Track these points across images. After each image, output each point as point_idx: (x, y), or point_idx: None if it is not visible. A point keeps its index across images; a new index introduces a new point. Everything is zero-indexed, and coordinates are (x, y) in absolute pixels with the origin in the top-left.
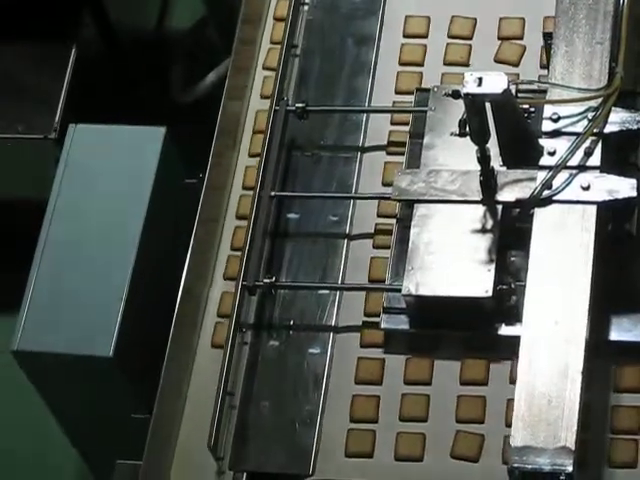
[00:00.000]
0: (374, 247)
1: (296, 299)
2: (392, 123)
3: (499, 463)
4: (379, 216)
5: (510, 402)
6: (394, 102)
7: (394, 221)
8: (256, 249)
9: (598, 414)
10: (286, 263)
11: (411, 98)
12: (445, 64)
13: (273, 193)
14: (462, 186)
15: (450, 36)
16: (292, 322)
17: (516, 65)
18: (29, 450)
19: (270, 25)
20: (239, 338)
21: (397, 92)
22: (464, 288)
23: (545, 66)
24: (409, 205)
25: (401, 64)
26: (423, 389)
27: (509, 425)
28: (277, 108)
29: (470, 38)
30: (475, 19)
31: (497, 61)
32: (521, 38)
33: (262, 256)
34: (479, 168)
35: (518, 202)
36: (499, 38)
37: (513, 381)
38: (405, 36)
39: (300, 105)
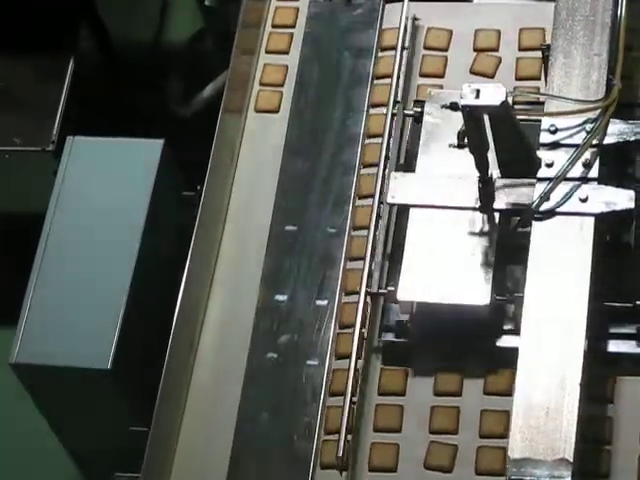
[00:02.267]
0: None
1: (294, 311)
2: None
3: (472, 473)
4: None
5: (484, 413)
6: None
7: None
8: (378, 256)
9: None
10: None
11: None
12: (421, 75)
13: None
14: (459, 192)
15: (426, 47)
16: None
17: (492, 77)
18: (26, 463)
19: (267, 37)
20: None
21: (373, 105)
22: (461, 295)
23: (520, 78)
24: (405, 210)
25: (377, 77)
26: (397, 400)
27: (483, 436)
28: (394, 112)
29: (446, 50)
30: (451, 31)
31: (473, 73)
32: (497, 50)
33: (384, 263)
34: (477, 174)
35: (516, 212)
36: (475, 50)
37: (487, 392)
38: (382, 49)
39: (418, 110)
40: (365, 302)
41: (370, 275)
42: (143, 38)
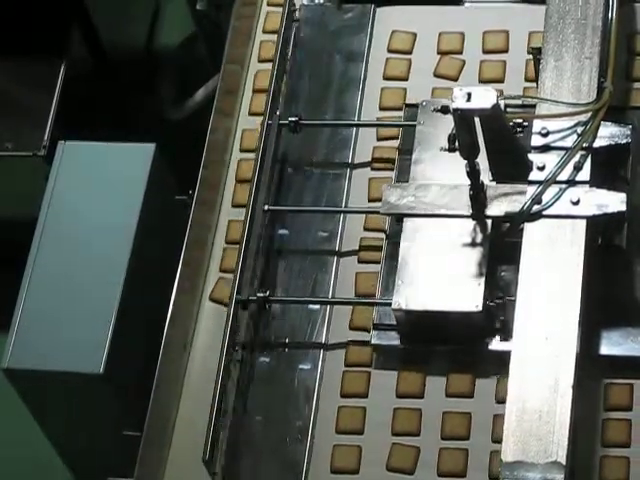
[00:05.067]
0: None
1: (287, 315)
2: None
3: (434, 476)
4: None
5: (446, 415)
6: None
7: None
8: (249, 263)
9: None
10: (277, 279)
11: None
12: (384, 78)
13: (266, 207)
14: (451, 200)
15: (390, 50)
16: (285, 339)
17: (455, 79)
18: (19, 468)
19: (258, 43)
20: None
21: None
22: (454, 303)
23: (484, 81)
24: (398, 220)
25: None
26: (360, 402)
27: (445, 438)
28: (270, 122)
29: (410, 52)
30: (415, 34)
31: (437, 75)
32: (461, 53)
33: (255, 271)
34: (468, 182)
35: (508, 217)
36: (439, 52)
37: (449, 394)
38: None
39: (293, 119)
40: (236, 309)
41: (242, 282)
42: (135, 42)
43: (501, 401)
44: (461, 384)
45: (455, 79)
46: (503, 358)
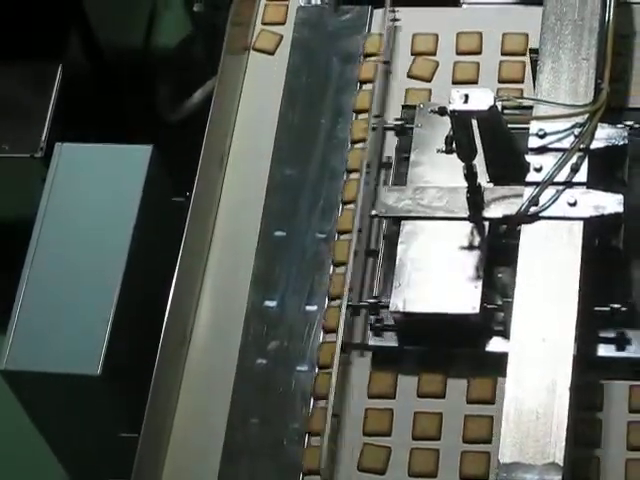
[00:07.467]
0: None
1: (284, 317)
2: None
3: (405, 475)
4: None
5: (417, 415)
6: None
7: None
8: (358, 267)
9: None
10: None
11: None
12: (360, 81)
13: (373, 212)
14: (449, 203)
15: (366, 54)
16: (280, 340)
17: (428, 81)
18: (16, 469)
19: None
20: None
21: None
22: (451, 305)
23: (457, 82)
24: (396, 222)
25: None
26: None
27: (416, 438)
28: (375, 125)
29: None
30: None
31: (410, 76)
32: (434, 54)
33: (364, 275)
34: (466, 185)
35: (505, 218)
36: (412, 54)
37: (421, 394)
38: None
39: (399, 123)
40: (347, 314)
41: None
42: (132, 44)
43: (472, 401)
44: (432, 384)
45: (429, 80)
46: (475, 358)
